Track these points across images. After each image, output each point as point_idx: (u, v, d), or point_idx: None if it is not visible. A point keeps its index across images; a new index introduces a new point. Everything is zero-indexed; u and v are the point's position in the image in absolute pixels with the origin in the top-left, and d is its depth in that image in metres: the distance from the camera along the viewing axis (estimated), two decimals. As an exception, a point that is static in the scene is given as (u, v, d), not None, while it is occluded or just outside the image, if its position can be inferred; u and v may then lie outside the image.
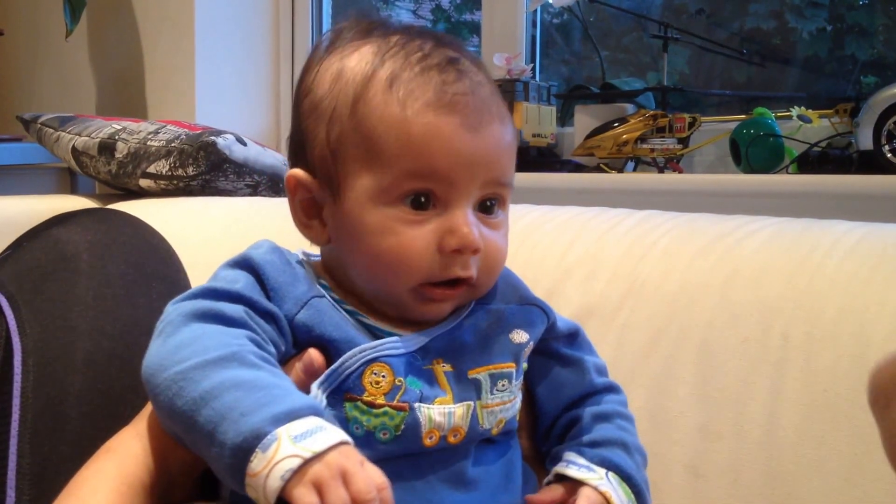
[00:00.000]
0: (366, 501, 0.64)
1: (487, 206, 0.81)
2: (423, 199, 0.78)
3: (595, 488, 0.82)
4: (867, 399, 0.55)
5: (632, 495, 0.84)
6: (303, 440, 0.65)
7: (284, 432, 0.65)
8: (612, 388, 0.92)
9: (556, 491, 0.83)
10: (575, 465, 0.84)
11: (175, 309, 0.77)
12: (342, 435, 0.67)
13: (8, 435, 0.91)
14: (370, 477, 0.65)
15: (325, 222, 0.82)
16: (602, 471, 0.83)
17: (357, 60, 0.81)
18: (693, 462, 1.02)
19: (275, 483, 0.64)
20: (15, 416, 0.92)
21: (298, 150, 0.84)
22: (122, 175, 1.84)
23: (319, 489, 0.63)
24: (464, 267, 0.78)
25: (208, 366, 0.70)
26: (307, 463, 0.64)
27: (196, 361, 0.71)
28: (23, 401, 0.92)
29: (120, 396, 0.95)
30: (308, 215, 0.84)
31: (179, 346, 0.73)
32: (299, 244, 0.89)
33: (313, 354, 0.77)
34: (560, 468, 0.84)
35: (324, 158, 0.80)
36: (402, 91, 0.77)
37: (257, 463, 0.64)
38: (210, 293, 0.78)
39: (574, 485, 0.82)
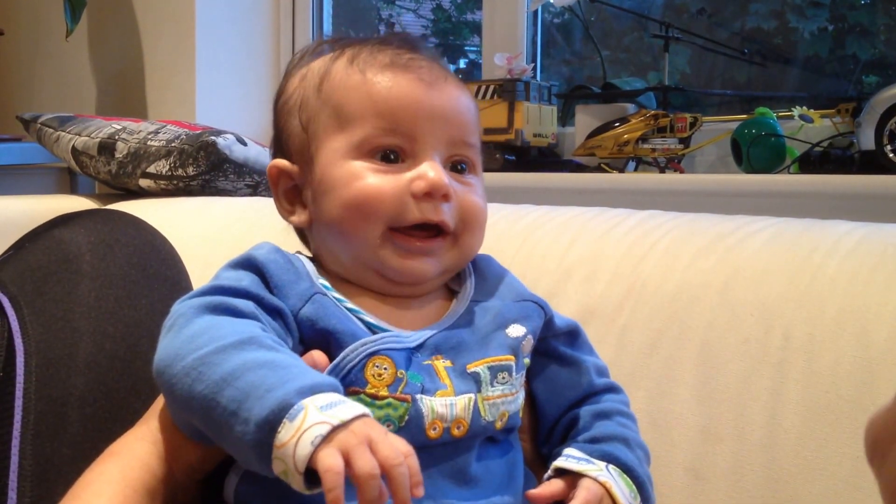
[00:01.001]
0: (393, 466, 0.65)
1: (458, 168, 0.86)
2: (392, 156, 0.82)
3: (594, 479, 0.81)
4: (865, 454, 0.54)
5: (633, 487, 0.83)
6: (329, 409, 0.66)
7: (311, 403, 0.66)
8: (612, 389, 0.92)
9: (556, 485, 0.82)
10: (574, 458, 0.84)
11: (183, 305, 0.78)
12: (364, 408, 0.68)
13: (10, 436, 0.91)
14: (395, 444, 0.66)
15: (305, 203, 0.86)
16: (602, 463, 0.83)
17: (320, 61, 0.88)
18: (694, 464, 1.01)
19: (305, 449, 0.64)
20: (17, 418, 0.92)
21: (277, 147, 0.90)
22: (121, 175, 1.84)
23: (347, 455, 0.64)
24: (434, 210, 0.81)
25: (227, 349, 0.71)
26: (335, 430, 0.65)
27: (214, 346, 0.72)
28: (25, 402, 0.92)
29: (121, 398, 0.95)
30: (291, 202, 0.88)
31: (194, 336, 0.74)
32: (298, 245, 0.89)
33: (316, 356, 0.78)
34: (559, 462, 0.84)
35: (298, 141, 0.86)
36: (361, 62, 0.85)
37: (285, 433, 0.65)
38: (217, 290, 0.79)
39: (574, 478, 0.82)
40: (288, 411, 0.66)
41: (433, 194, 0.81)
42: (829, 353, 0.97)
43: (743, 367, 1.01)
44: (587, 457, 0.84)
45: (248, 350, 0.71)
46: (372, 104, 0.82)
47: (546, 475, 0.84)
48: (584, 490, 0.80)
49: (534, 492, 0.82)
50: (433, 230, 0.82)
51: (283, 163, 0.87)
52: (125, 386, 0.95)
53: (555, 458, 0.86)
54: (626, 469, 0.84)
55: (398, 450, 0.66)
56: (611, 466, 0.83)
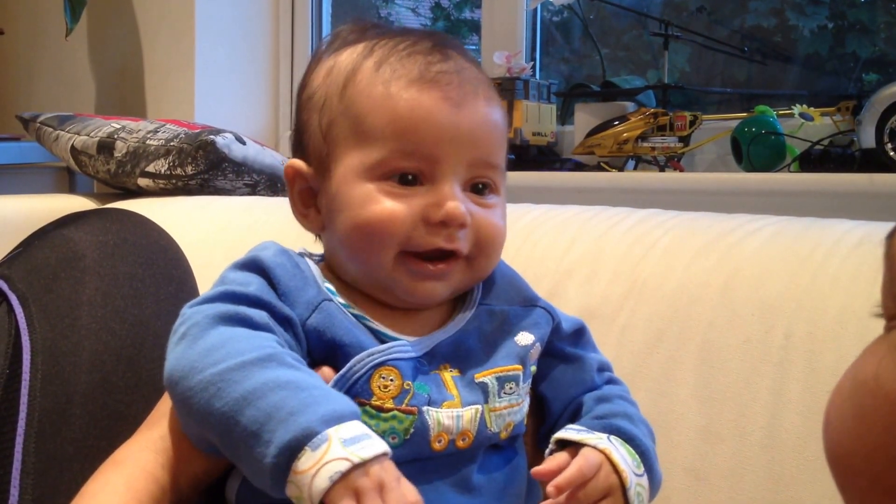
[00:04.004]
0: None
1: (479, 189, 0.82)
2: (410, 178, 0.79)
3: (594, 447, 0.80)
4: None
5: (636, 456, 0.82)
6: (352, 445, 0.66)
7: (335, 434, 0.66)
8: (612, 381, 0.91)
9: (559, 458, 0.79)
10: (574, 429, 0.82)
11: (196, 312, 0.77)
12: (384, 446, 0.68)
13: (14, 433, 0.92)
14: (404, 495, 0.67)
15: (320, 209, 0.84)
16: (603, 434, 0.82)
17: (348, 54, 0.84)
18: (694, 464, 1.01)
19: (322, 483, 0.65)
20: (22, 415, 0.92)
21: (297, 143, 0.87)
22: (120, 174, 1.84)
23: (358, 497, 0.65)
24: (448, 239, 0.79)
25: (247, 366, 0.70)
26: (354, 469, 0.65)
27: (234, 363, 0.71)
28: (30, 399, 0.93)
29: (126, 397, 0.95)
30: (305, 204, 0.86)
31: (211, 349, 0.73)
32: (298, 243, 0.89)
33: (326, 373, 0.77)
34: (559, 434, 0.82)
35: (317, 145, 0.83)
36: (388, 72, 0.80)
37: (305, 460, 0.65)
38: (229, 297, 0.78)
39: (575, 449, 0.80)
40: (311, 439, 0.66)
41: (449, 224, 0.78)
42: (830, 352, 0.96)
43: (744, 366, 1.01)
44: (587, 429, 0.82)
45: (270, 368, 0.71)
46: (393, 124, 0.79)
47: (548, 450, 0.83)
48: (581, 458, 0.78)
49: (538, 468, 0.80)
50: (445, 254, 0.80)
51: (300, 164, 0.85)
52: (130, 385, 0.95)
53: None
54: (628, 438, 0.82)
55: (406, 501, 0.67)
56: (612, 437, 0.82)
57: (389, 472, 0.67)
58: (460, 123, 0.79)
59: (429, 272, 0.80)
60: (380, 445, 0.68)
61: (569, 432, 0.82)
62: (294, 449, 0.66)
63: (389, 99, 0.79)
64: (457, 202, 0.78)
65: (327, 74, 0.84)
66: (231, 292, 0.78)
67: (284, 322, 0.78)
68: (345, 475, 0.65)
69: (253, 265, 0.81)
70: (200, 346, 0.73)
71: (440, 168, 0.79)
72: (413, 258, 0.79)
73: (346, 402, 0.70)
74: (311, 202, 0.85)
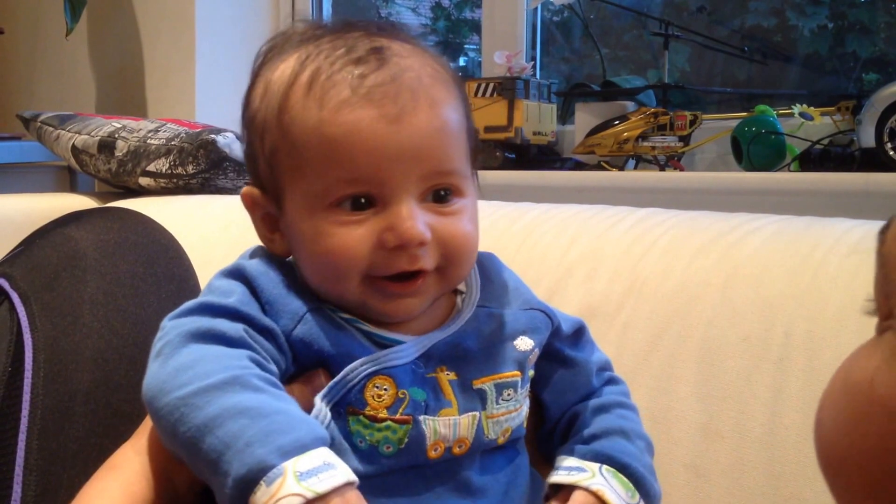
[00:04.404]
0: None
1: (441, 196, 0.78)
2: (363, 201, 0.75)
3: (586, 489, 0.79)
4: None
5: (631, 486, 0.81)
6: (307, 478, 0.64)
7: (291, 467, 0.65)
8: (611, 381, 0.91)
9: None
10: (564, 470, 0.82)
11: (173, 327, 0.75)
12: (348, 475, 0.66)
13: (17, 430, 0.92)
14: None
15: (284, 235, 0.81)
16: (595, 466, 0.81)
17: (281, 71, 0.79)
18: (694, 462, 1.01)
19: None
20: (24, 413, 0.92)
21: (251, 167, 0.83)
22: (121, 173, 1.84)
23: None
24: (410, 261, 0.75)
25: (210, 391, 0.69)
26: None
27: (197, 386, 0.69)
28: (32, 397, 0.93)
29: (127, 395, 0.95)
30: (269, 230, 0.83)
31: (179, 370, 0.71)
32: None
33: (321, 376, 0.77)
34: (551, 478, 0.82)
35: (266, 172, 0.80)
36: (319, 91, 0.75)
37: (260, 496, 0.64)
38: (207, 309, 0.76)
39: (569, 491, 0.80)
40: (266, 473, 0.64)
41: (406, 246, 0.74)
42: (829, 350, 0.96)
43: (743, 364, 1.01)
44: (579, 464, 0.82)
45: (232, 392, 0.69)
46: (329, 153, 0.74)
47: (544, 493, 0.83)
48: None
49: None
50: (412, 273, 0.77)
51: (255, 192, 0.82)
52: (131, 383, 0.95)
53: (554, 462, 0.85)
54: (621, 466, 0.82)
55: None
56: (604, 468, 0.81)
57: (351, 503, 0.66)
58: (401, 140, 0.74)
59: (399, 292, 0.77)
60: (341, 476, 0.66)
61: (559, 474, 0.82)
62: (249, 482, 0.64)
63: (322, 125, 0.74)
64: (412, 222, 0.74)
65: (264, 94, 0.80)
66: (210, 304, 0.76)
67: (265, 333, 0.76)
68: None
69: (237, 273, 0.79)
70: (170, 366, 0.72)
71: (389, 189, 0.75)
72: (380, 280, 0.76)
73: (310, 429, 0.68)
74: (275, 227, 0.82)
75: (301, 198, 0.77)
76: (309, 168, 0.75)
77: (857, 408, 0.47)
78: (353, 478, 0.67)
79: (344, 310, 0.79)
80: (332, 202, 0.75)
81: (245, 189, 0.83)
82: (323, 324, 0.77)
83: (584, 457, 0.83)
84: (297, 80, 0.77)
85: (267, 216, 0.82)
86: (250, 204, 0.83)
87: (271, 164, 0.79)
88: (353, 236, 0.75)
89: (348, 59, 0.76)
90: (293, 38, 0.81)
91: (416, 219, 0.75)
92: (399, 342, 0.78)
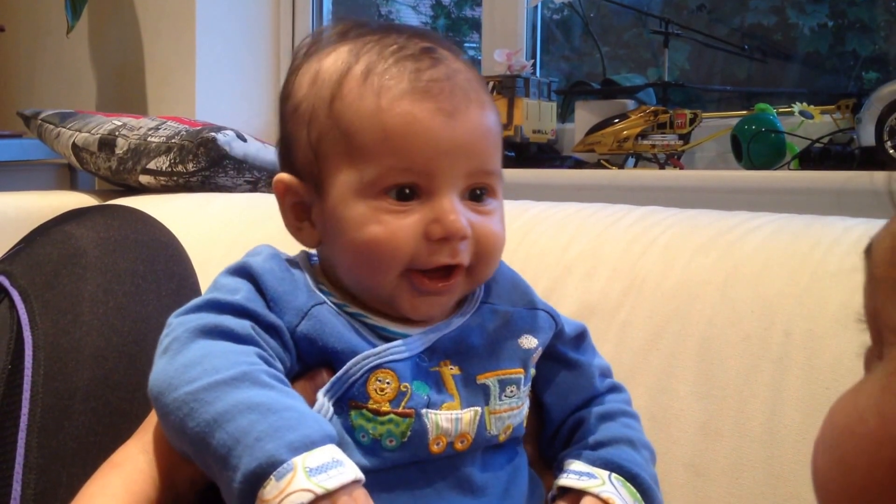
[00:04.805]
0: None
1: (477, 195, 0.80)
2: (407, 192, 0.77)
3: (597, 496, 0.80)
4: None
5: (638, 496, 0.82)
6: (317, 475, 0.65)
7: (300, 462, 0.65)
8: (614, 388, 0.91)
9: None
10: (575, 474, 0.82)
11: (180, 324, 0.76)
12: (355, 472, 0.67)
13: (17, 428, 0.92)
14: None
15: (315, 224, 0.82)
16: (605, 473, 0.82)
17: (333, 60, 0.80)
18: (693, 461, 1.01)
19: None
20: (24, 411, 0.92)
21: (285, 154, 0.84)
22: (122, 171, 1.84)
23: None
24: (452, 254, 0.77)
25: (219, 386, 0.69)
26: (317, 500, 0.64)
27: (207, 382, 0.70)
28: (32, 395, 0.93)
29: (127, 393, 0.95)
30: (298, 218, 0.83)
31: (188, 365, 0.72)
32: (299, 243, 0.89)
33: (324, 375, 0.77)
34: (561, 480, 0.83)
35: (307, 160, 0.80)
36: (377, 82, 0.77)
37: (269, 490, 0.65)
38: (214, 306, 0.77)
39: (578, 495, 0.81)
40: (276, 468, 0.65)
41: (451, 239, 0.76)
42: (829, 349, 0.96)
43: (743, 363, 1.01)
44: (589, 469, 0.83)
45: (241, 388, 0.69)
46: (386, 140, 0.75)
47: (550, 494, 0.83)
48: None
49: None
50: (449, 269, 0.78)
51: (290, 179, 0.82)
52: (131, 381, 0.95)
53: (559, 465, 0.85)
54: (630, 476, 0.83)
55: None
56: (614, 476, 0.82)
57: (359, 501, 0.66)
58: (455, 135, 0.76)
59: (433, 289, 0.78)
60: (350, 473, 0.66)
61: (569, 478, 0.82)
62: (259, 477, 0.65)
63: (381, 113, 0.76)
64: (457, 215, 0.76)
65: (312, 83, 0.80)
66: (216, 301, 0.77)
67: (271, 330, 0.76)
68: None
69: (243, 271, 0.80)
70: (179, 362, 0.72)
71: (437, 182, 0.76)
72: (417, 275, 0.77)
73: (319, 426, 0.69)
74: (305, 216, 0.83)
75: (347, 184, 0.77)
76: (361, 155, 0.76)
77: (845, 443, 0.47)
78: (361, 476, 0.67)
79: (352, 304, 0.80)
80: (380, 190, 0.76)
81: (279, 176, 0.83)
82: (328, 319, 0.78)
83: (593, 463, 0.83)
84: (350, 70, 0.78)
85: (298, 204, 0.83)
86: (283, 191, 0.83)
87: (316, 151, 0.79)
88: (401, 225, 0.76)
89: (402, 55, 0.78)
90: (333, 35, 0.83)
91: (460, 213, 0.77)
92: (404, 336, 0.79)
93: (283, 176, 0.83)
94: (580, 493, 0.81)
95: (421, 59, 0.78)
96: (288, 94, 0.83)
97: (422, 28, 0.85)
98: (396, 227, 0.76)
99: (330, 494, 0.65)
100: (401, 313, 0.80)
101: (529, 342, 0.84)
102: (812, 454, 0.51)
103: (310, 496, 0.64)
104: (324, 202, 0.80)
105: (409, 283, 0.78)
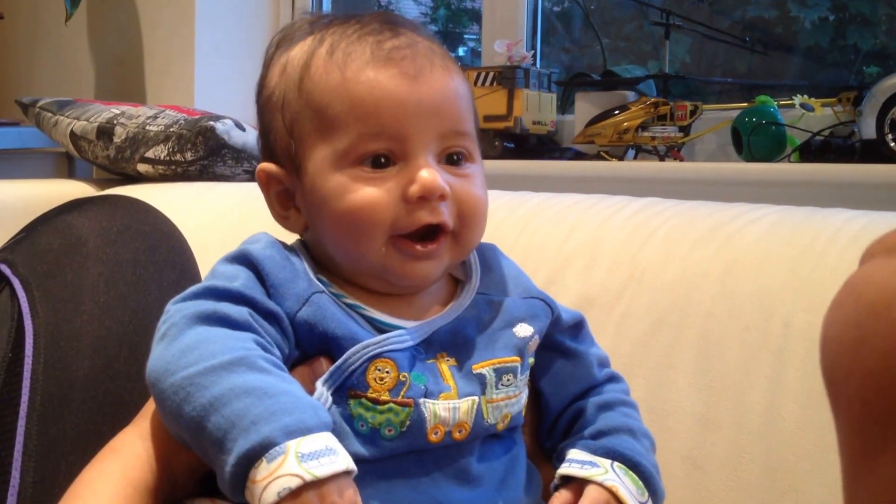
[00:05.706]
0: None
1: (454, 160, 0.81)
2: (382, 160, 0.78)
3: (600, 484, 0.80)
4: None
5: (641, 484, 0.82)
6: (308, 461, 0.65)
7: (294, 447, 0.65)
8: (613, 378, 0.91)
9: (564, 497, 0.81)
10: (577, 463, 0.82)
11: (177, 310, 0.76)
12: (347, 463, 0.67)
13: (17, 416, 0.92)
14: None
15: (300, 208, 0.83)
16: (607, 462, 0.82)
17: (299, 48, 0.83)
18: (692, 453, 1.01)
19: (270, 497, 0.64)
20: (24, 398, 0.93)
21: (265, 146, 0.86)
22: (120, 160, 1.84)
23: None
24: (432, 213, 0.78)
25: (216, 370, 0.70)
26: (305, 486, 0.64)
27: (203, 366, 0.70)
28: (32, 383, 0.93)
29: (127, 382, 0.95)
30: (284, 206, 0.85)
31: (185, 351, 0.72)
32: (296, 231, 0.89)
33: (324, 363, 0.77)
34: (563, 469, 0.83)
35: (284, 143, 0.82)
36: (341, 57, 0.79)
37: (260, 471, 0.65)
38: (212, 293, 0.77)
39: (580, 484, 0.81)
40: (269, 450, 0.65)
41: (429, 197, 0.77)
42: (828, 341, 0.96)
43: (742, 355, 1.01)
44: (591, 458, 0.83)
45: (238, 372, 0.70)
46: (354, 108, 0.78)
47: (553, 484, 0.83)
48: (588, 500, 0.79)
49: None
50: (433, 231, 0.79)
51: (271, 167, 0.84)
52: (131, 370, 0.96)
53: (559, 456, 0.85)
54: (633, 465, 0.83)
55: None
56: (616, 464, 0.82)
57: (346, 494, 0.66)
58: (421, 96, 0.78)
59: (420, 253, 0.79)
60: (341, 463, 0.66)
61: (572, 467, 0.82)
62: (252, 459, 0.65)
63: (346, 83, 0.78)
64: (432, 172, 0.78)
65: (282, 72, 0.83)
66: (215, 288, 0.77)
67: (270, 317, 0.77)
68: (294, 492, 0.64)
69: (242, 258, 0.80)
70: (176, 348, 0.73)
71: (410, 144, 0.78)
72: (402, 240, 0.78)
73: (315, 413, 0.69)
74: (290, 203, 0.84)
75: (323, 159, 0.79)
76: (332, 128, 0.79)
77: (868, 326, 0.46)
78: (353, 467, 0.67)
79: (350, 295, 0.80)
80: (355, 159, 0.78)
81: (260, 166, 0.85)
82: (328, 306, 0.79)
83: (594, 452, 0.83)
84: (315, 52, 0.81)
85: (282, 192, 0.84)
86: (265, 179, 0.85)
87: (291, 133, 0.81)
88: (377, 190, 0.78)
89: (364, 31, 0.81)
90: (303, 27, 0.85)
91: (436, 172, 0.78)
92: (400, 328, 0.80)
93: (264, 164, 0.84)
94: (583, 482, 0.81)
95: (381, 32, 0.81)
96: (261, 87, 0.86)
97: (386, 12, 0.87)
98: (374, 192, 0.78)
99: (318, 482, 0.65)
100: (393, 282, 0.81)
101: (525, 330, 0.84)
102: (824, 321, 0.50)
103: (298, 482, 0.64)
104: (304, 183, 0.81)
105: (396, 250, 0.79)
